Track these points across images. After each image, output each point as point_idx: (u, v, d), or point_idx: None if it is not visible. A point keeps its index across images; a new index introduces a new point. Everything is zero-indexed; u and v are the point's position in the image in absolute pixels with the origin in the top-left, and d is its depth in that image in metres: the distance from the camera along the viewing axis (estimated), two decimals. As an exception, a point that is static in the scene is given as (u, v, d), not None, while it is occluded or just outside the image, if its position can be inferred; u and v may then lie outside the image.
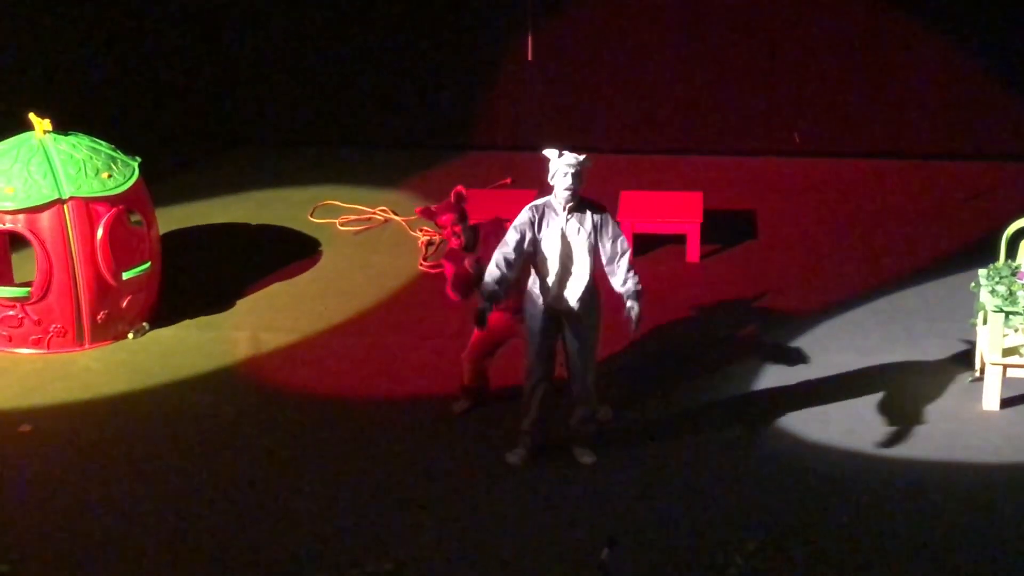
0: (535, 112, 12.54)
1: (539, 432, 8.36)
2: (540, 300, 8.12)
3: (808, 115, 12.35)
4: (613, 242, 8.02)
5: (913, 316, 9.92)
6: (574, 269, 8.06)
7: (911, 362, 9.33)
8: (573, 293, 8.09)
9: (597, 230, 8.02)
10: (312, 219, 11.54)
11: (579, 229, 8.01)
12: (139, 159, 9.94)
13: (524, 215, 8.02)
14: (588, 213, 8.02)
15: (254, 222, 11.51)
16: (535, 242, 8.00)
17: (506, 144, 12.62)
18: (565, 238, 8.00)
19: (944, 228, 11.20)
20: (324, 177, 12.22)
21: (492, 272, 7.98)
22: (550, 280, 8.08)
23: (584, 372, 8.22)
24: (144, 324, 9.90)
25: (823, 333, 9.74)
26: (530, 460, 8.34)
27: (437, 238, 11.10)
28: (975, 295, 9.03)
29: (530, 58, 12.36)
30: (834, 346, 9.57)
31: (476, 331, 8.68)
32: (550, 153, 8.01)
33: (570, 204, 7.98)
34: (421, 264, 10.83)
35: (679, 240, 10.83)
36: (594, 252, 8.04)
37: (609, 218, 8.05)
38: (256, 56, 12.66)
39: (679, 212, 10.89)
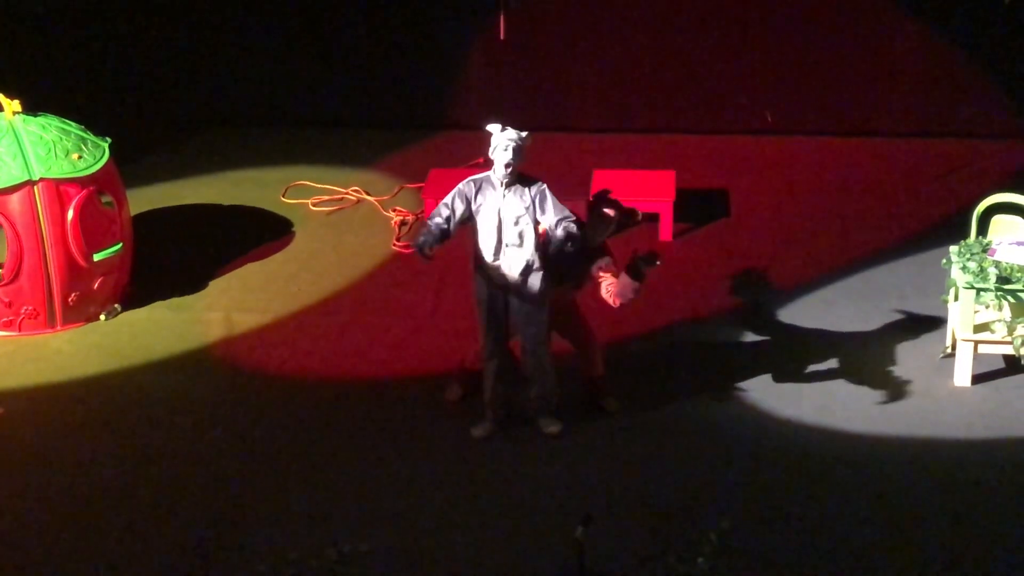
0: (507, 91, 12.50)
1: (501, 406, 8.36)
2: (482, 274, 8.15)
3: (780, 94, 12.33)
4: (555, 212, 8.01)
5: (885, 293, 9.94)
6: (512, 244, 8.09)
7: (883, 339, 9.35)
8: (513, 267, 8.13)
9: (535, 205, 8.03)
10: (284, 199, 11.49)
11: (516, 204, 8.03)
12: (109, 140, 9.88)
13: (459, 187, 8.09)
14: (526, 189, 8.05)
15: (226, 203, 11.45)
16: (471, 216, 8.03)
17: (479, 124, 12.52)
18: (501, 213, 8.02)
19: (916, 206, 11.22)
20: (296, 157, 12.16)
21: (426, 227, 8.04)
22: (488, 255, 8.13)
23: (534, 347, 8.23)
24: (116, 306, 9.85)
25: (796, 311, 9.75)
26: (496, 433, 8.35)
27: (411, 218, 11.07)
28: (947, 272, 9.05)
29: (502, 37, 12.31)
30: (807, 323, 9.58)
31: None
32: (492, 128, 8.03)
33: (506, 179, 7.98)
34: (394, 244, 10.80)
35: (652, 219, 10.82)
36: (534, 227, 8.06)
37: (547, 192, 8.07)
38: (228, 36, 12.58)
39: (652, 191, 10.88)
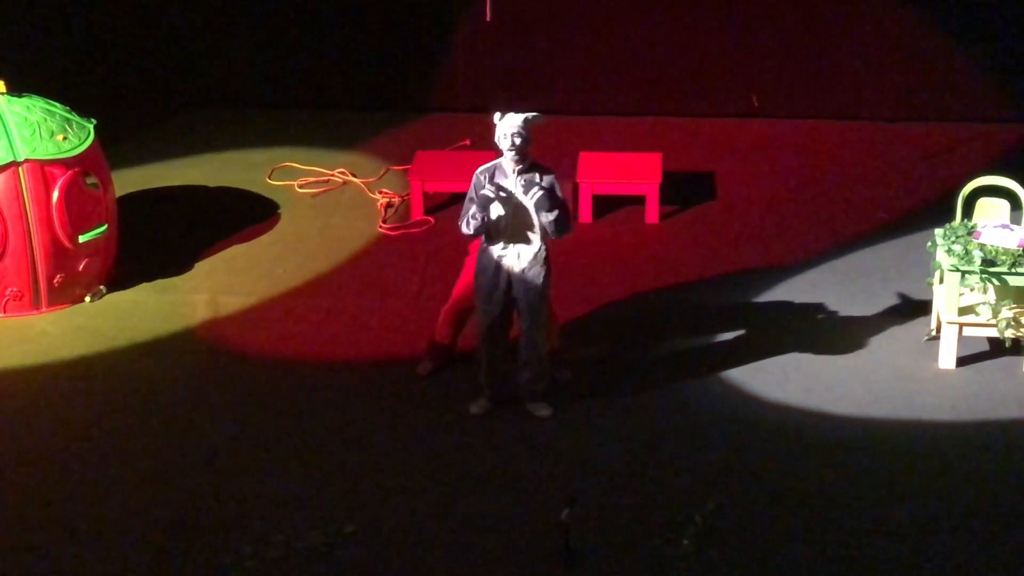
0: (494, 73, 12.47)
1: (497, 384, 8.40)
2: (491, 257, 8.17)
3: (766, 77, 12.32)
4: (550, 203, 8.05)
5: (870, 276, 9.95)
6: (523, 230, 8.10)
7: (868, 321, 9.36)
8: (523, 253, 8.15)
9: (549, 192, 8.04)
10: (270, 181, 11.46)
11: (527, 190, 8.01)
12: (95, 121, 9.84)
13: (475, 182, 8.09)
14: (537, 175, 8.04)
15: (212, 184, 11.42)
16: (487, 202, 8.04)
17: (465, 106, 12.54)
18: (514, 200, 8.03)
19: (901, 189, 11.22)
20: (282, 139, 12.12)
21: (475, 228, 8.06)
22: (500, 239, 8.13)
23: (531, 335, 8.25)
24: (101, 287, 9.82)
25: (781, 293, 9.76)
26: (492, 410, 8.38)
27: (397, 200, 11.05)
28: (931, 254, 9.06)
29: (488, 19, 12.27)
30: (792, 306, 9.58)
31: (460, 284, 8.63)
32: (497, 116, 8.04)
33: (517, 166, 7.97)
34: (380, 226, 10.78)
35: (639, 201, 10.82)
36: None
37: (555, 182, 8.08)
38: (213, 16, 12.53)
39: (638, 173, 10.87)
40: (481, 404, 8.42)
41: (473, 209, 8.06)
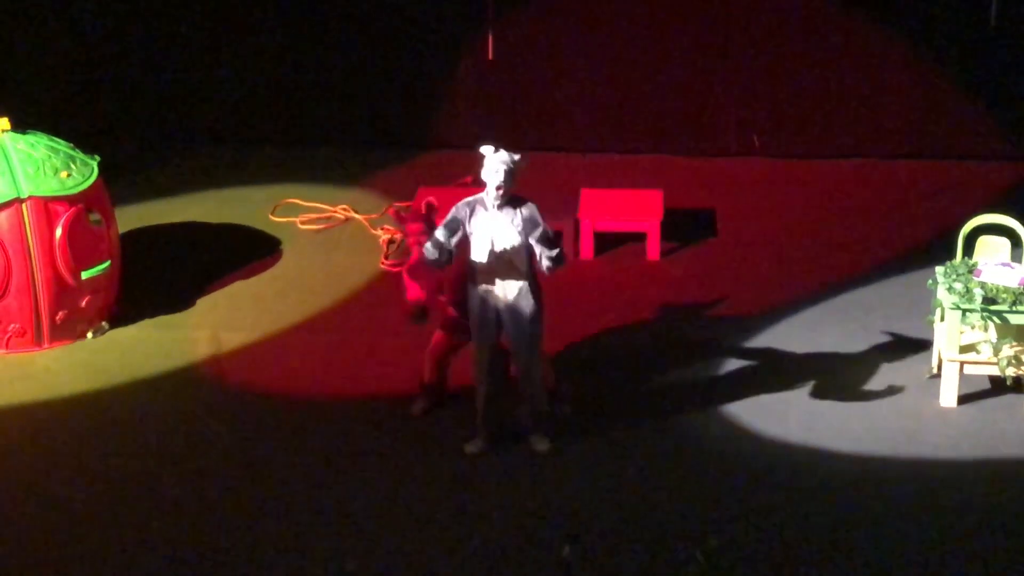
0: (496, 110, 12.51)
1: (493, 424, 8.38)
2: (478, 292, 8.18)
3: (767, 117, 12.35)
4: (539, 236, 8.07)
5: (871, 313, 9.95)
6: (505, 265, 8.11)
7: (869, 359, 9.36)
8: (507, 288, 8.16)
9: (527, 226, 8.05)
10: (273, 218, 11.48)
11: (507, 226, 8.05)
12: (98, 158, 9.87)
13: (455, 211, 8.10)
14: (518, 209, 8.09)
15: (214, 221, 11.44)
16: (466, 237, 8.07)
17: (466, 143, 12.55)
18: (493, 235, 8.06)
19: (901, 226, 11.24)
20: (285, 175, 12.15)
21: (427, 248, 8.09)
22: (483, 275, 8.15)
23: (527, 367, 8.26)
24: (104, 324, 9.83)
25: (782, 331, 9.76)
26: (488, 450, 8.37)
27: (399, 237, 11.06)
28: (932, 292, 9.07)
29: (490, 57, 12.33)
30: (793, 343, 9.58)
31: (438, 330, 8.67)
32: (485, 149, 8.07)
33: (497, 201, 8.01)
34: (382, 263, 10.79)
35: (639, 238, 10.84)
36: (527, 247, 8.09)
37: (536, 214, 8.08)
38: (216, 54, 12.58)
39: (639, 210, 10.89)
40: (477, 444, 8.41)
41: (432, 243, 8.03)
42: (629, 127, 12.49)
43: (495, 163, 8.02)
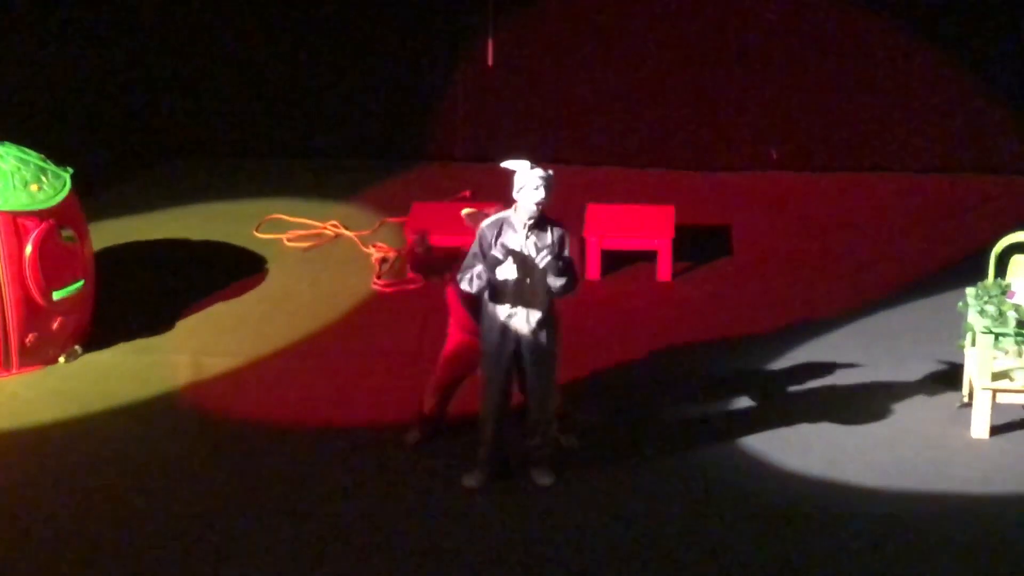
0: (496, 121, 12.55)
1: (497, 457, 8.44)
2: (497, 319, 8.19)
3: (785, 128, 12.40)
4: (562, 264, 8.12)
5: (897, 338, 9.99)
6: (532, 289, 8.13)
7: (895, 387, 9.39)
8: (531, 313, 8.18)
9: (556, 249, 8.09)
10: (258, 234, 11.51)
11: (537, 247, 8.08)
12: (71, 170, 9.89)
13: (481, 236, 8.12)
14: (548, 230, 8.11)
15: (195, 237, 11.47)
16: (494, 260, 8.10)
17: (465, 155, 12.63)
18: (523, 256, 8.08)
19: (930, 244, 11.27)
20: (270, 189, 12.18)
21: (470, 281, 8.12)
22: (507, 299, 8.16)
23: (542, 398, 8.31)
24: (76, 347, 9.86)
25: (802, 356, 9.80)
26: (488, 483, 8.41)
27: (392, 255, 11.11)
28: (963, 315, 9.11)
29: (490, 63, 12.38)
30: (814, 370, 9.61)
31: (445, 357, 8.70)
32: (517, 165, 8.06)
33: (532, 221, 8.04)
34: (374, 283, 10.83)
35: (650, 257, 10.87)
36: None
37: (567, 239, 8.14)
38: (196, 59, 12.62)
39: (650, 227, 10.92)
40: (476, 477, 8.44)
41: (479, 268, 8.10)
42: (638, 138, 12.53)
43: (533, 179, 8.01)
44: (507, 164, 8.12)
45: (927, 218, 11.68)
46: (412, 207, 11.29)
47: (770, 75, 12.31)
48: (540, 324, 8.20)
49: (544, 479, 8.43)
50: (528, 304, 8.16)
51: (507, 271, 8.08)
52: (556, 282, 8.08)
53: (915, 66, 12.23)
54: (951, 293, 10.07)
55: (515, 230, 8.10)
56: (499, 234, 8.10)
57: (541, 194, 8.00)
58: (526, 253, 8.08)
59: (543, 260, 8.04)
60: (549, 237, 8.10)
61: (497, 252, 8.04)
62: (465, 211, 8.55)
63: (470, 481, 8.43)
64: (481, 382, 8.40)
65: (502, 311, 8.19)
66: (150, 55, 12.62)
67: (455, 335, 8.66)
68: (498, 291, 8.16)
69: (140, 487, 8.50)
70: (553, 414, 8.42)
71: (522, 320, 8.19)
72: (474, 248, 8.16)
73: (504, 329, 8.20)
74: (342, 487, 8.50)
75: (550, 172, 8.10)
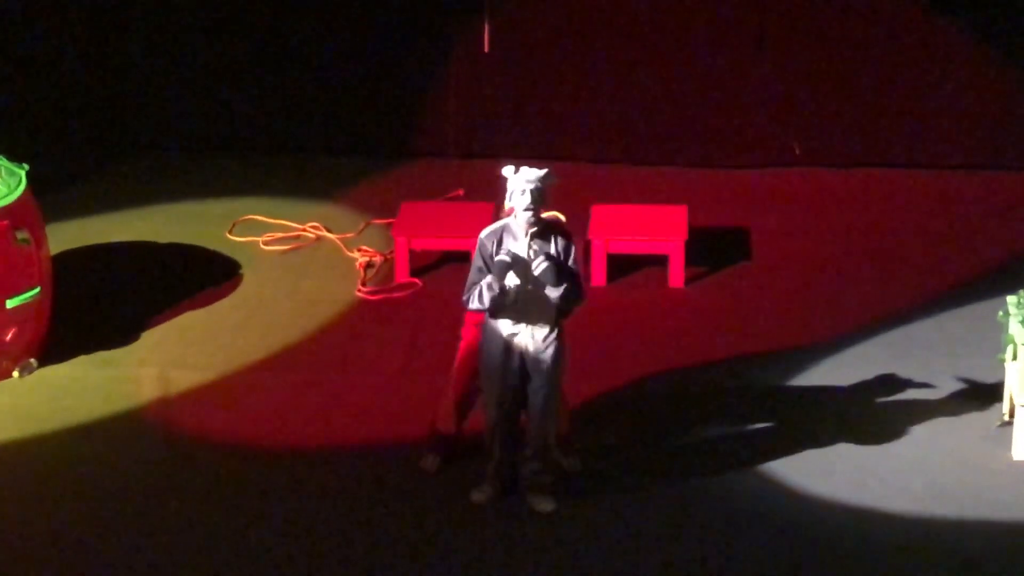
0: (492, 113, 12.55)
1: (506, 474, 8.46)
2: (499, 336, 8.21)
3: (809, 121, 12.40)
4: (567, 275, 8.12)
5: (931, 350, 9.97)
6: (537, 303, 8.15)
7: (929, 404, 9.38)
8: (537, 331, 8.21)
9: (562, 260, 8.11)
10: (231, 237, 11.51)
11: (537, 254, 8.09)
12: (26, 166, 9.89)
13: (481, 248, 8.17)
14: (552, 239, 8.13)
15: (162, 240, 11.46)
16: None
17: (458, 151, 12.62)
18: (525, 267, 8.09)
19: (967, 248, 11.27)
20: (245, 188, 12.19)
21: (483, 300, 8.10)
22: (509, 312, 8.17)
23: (543, 417, 8.32)
24: (32, 361, 9.84)
25: (827, 370, 9.78)
26: (497, 499, 8.43)
27: (378, 259, 11.09)
28: (1003, 326, 9.09)
29: (486, 49, 12.37)
30: (839, 385, 9.60)
31: (461, 359, 8.65)
32: (507, 171, 8.14)
33: (530, 227, 8.04)
34: (359, 290, 10.81)
35: (660, 262, 10.86)
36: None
37: (572, 250, 8.18)
38: (163, 47, 12.61)
39: (660, 229, 10.91)
40: (485, 491, 8.47)
41: (489, 279, 8.11)
42: (647, 132, 12.53)
43: (519, 183, 8.07)
44: (503, 170, 8.18)
45: (963, 219, 11.69)
46: (400, 207, 11.29)
47: (793, 62, 12.30)
48: (545, 340, 8.22)
49: (544, 505, 8.44)
50: (532, 320, 8.20)
51: (514, 277, 8.10)
52: (553, 292, 8.08)
53: (950, 54, 12.24)
54: (990, 302, 10.08)
55: (516, 238, 8.13)
56: (499, 243, 8.15)
57: (528, 199, 8.04)
58: (529, 263, 8.10)
59: (539, 266, 8.02)
60: (553, 247, 8.11)
61: (504, 256, 8.08)
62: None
63: (478, 496, 8.47)
64: (484, 401, 8.42)
65: (505, 327, 8.22)
66: (111, 42, 12.62)
67: (470, 333, 8.60)
68: (501, 306, 8.17)
69: (100, 513, 8.47)
70: (553, 438, 8.41)
71: (527, 336, 8.24)
72: (476, 262, 8.20)
73: (507, 346, 8.22)
74: (321, 513, 8.46)
75: (544, 172, 8.12)
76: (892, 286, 10.81)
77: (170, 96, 12.71)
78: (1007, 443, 8.96)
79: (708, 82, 12.39)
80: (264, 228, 11.61)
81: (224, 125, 12.74)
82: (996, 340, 9.33)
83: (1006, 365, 9.17)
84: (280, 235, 11.53)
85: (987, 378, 9.51)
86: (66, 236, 11.24)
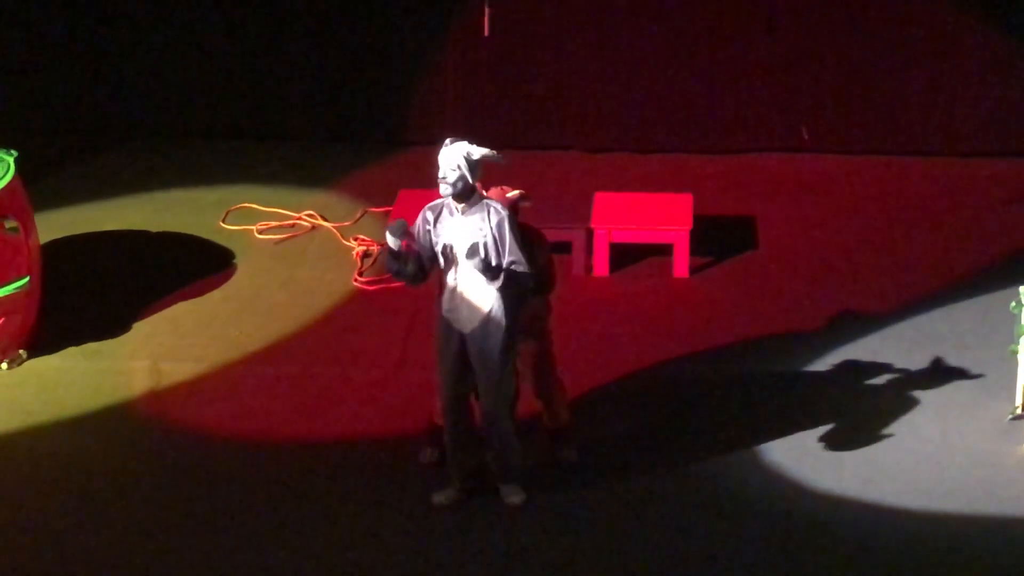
0: (491, 99, 12.54)
1: (467, 470, 8.43)
2: (441, 320, 8.26)
3: (817, 106, 12.39)
4: (508, 252, 8.10)
5: (941, 342, 9.97)
6: (468, 283, 8.16)
7: (939, 397, 9.37)
8: (473, 308, 8.20)
9: (495, 237, 8.11)
10: (224, 225, 11.51)
11: (473, 234, 8.12)
12: (15, 153, 9.89)
13: (421, 218, 8.21)
14: (486, 216, 8.15)
15: (154, 229, 11.46)
16: (432, 247, 8.18)
17: (457, 137, 12.57)
18: (455, 244, 8.12)
19: (979, 238, 11.27)
20: (238, 175, 12.19)
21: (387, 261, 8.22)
22: (446, 295, 8.23)
23: (490, 407, 8.30)
24: (21, 352, 9.84)
25: (834, 362, 9.78)
26: (460, 500, 8.40)
27: (375, 249, 11.09)
28: (1016, 317, 9.09)
29: (486, 33, 12.36)
30: (847, 377, 9.60)
31: None
32: (447, 142, 8.17)
33: (458, 203, 8.11)
34: (355, 279, 10.81)
35: (665, 251, 10.85)
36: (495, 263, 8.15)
37: (506, 224, 8.11)
38: (155, 31, 12.61)
39: (665, 218, 10.91)
40: (447, 494, 8.44)
41: (391, 246, 8.15)
42: (651, 118, 12.53)
43: (446, 158, 8.09)
44: (447, 142, 8.17)
45: (976, 208, 11.69)
46: (398, 195, 11.28)
47: (801, 44, 12.29)
48: (482, 321, 8.19)
49: (512, 498, 8.43)
50: (469, 298, 8.17)
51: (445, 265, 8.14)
52: (495, 283, 8.10)
53: (962, 40, 12.23)
54: (1003, 292, 10.07)
55: (451, 214, 8.17)
56: (438, 217, 8.19)
57: (449, 179, 8.07)
58: (460, 241, 8.09)
59: (472, 258, 8.04)
60: (489, 222, 8.11)
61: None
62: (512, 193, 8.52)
63: (440, 498, 8.45)
64: (437, 392, 8.44)
65: (444, 305, 8.25)
66: (102, 26, 12.61)
67: None
68: (439, 280, 8.20)
69: (91, 507, 8.48)
70: (508, 425, 8.34)
71: (465, 315, 8.20)
72: (413, 227, 8.21)
73: (447, 326, 8.24)
74: (316, 508, 8.46)
75: (484, 152, 8.09)
76: (900, 276, 10.82)
77: (162, 82, 12.71)
78: (1019, 436, 8.96)
79: (714, 66, 12.39)
80: (258, 216, 11.61)
81: (217, 111, 12.74)
82: (1008, 331, 9.33)
83: (1019, 357, 9.17)
84: (275, 224, 11.53)
85: (998, 370, 9.50)
86: (56, 224, 11.25)
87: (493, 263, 8.08)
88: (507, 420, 8.35)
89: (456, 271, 8.17)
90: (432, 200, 9.06)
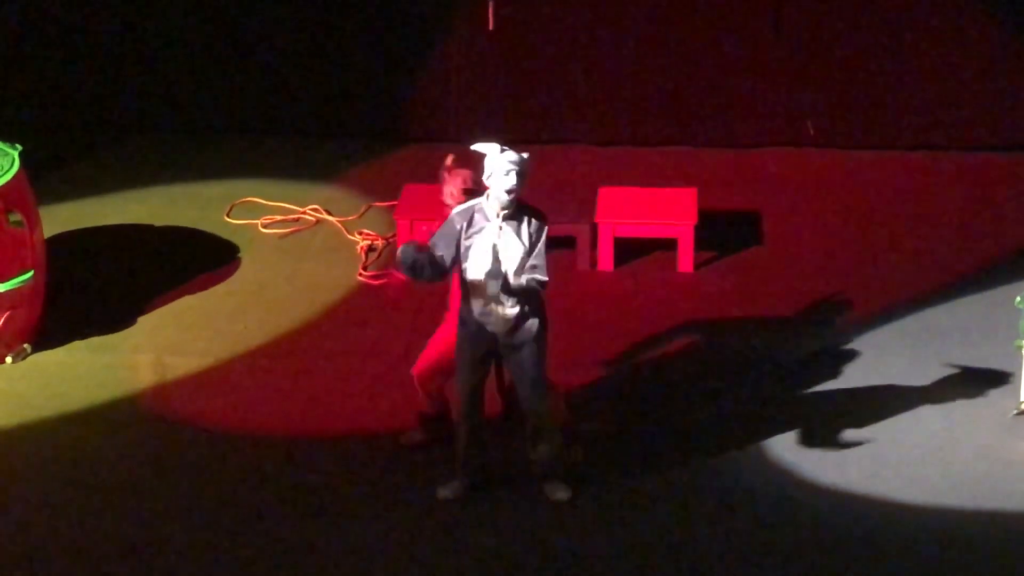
0: (496, 93, 12.53)
1: (476, 468, 8.47)
2: (470, 322, 8.25)
3: (823, 99, 12.39)
4: (535, 258, 8.15)
5: (946, 337, 9.98)
6: (506, 287, 8.16)
7: (944, 393, 9.38)
8: (507, 314, 8.21)
9: (532, 242, 8.13)
10: (228, 220, 11.52)
11: (514, 240, 8.13)
12: (19, 147, 9.90)
13: (450, 224, 8.17)
14: (524, 223, 8.16)
15: (158, 223, 11.47)
16: (458, 254, 8.16)
17: (461, 134, 12.56)
18: (497, 250, 8.12)
19: (983, 233, 11.26)
20: (244, 170, 12.19)
21: (404, 256, 8.14)
22: (480, 298, 8.21)
23: (535, 404, 8.34)
24: (26, 346, 9.86)
25: (840, 357, 9.79)
26: (465, 495, 8.43)
27: (380, 243, 11.11)
28: (1021, 312, 9.10)
29: (491, 27, 12.37)
30: (853, 373, 9.62)
31: (430, 346, 8.70)
32: (487, 148, 8.13)
33: (508, 210, 8.10)
34: (360, 274, 10.83)
35: (669, 246, 10.87)
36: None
37: (544, 233, 8.18)
38: (160, 26, 12.60)
39: (669, 212, 10.91)
40: (454, 487, 8.48)
41: (437, 253, 8.11)
42: (656, 112, 12.52)
43: (504, 164, 8.06)
44: (477, 147, 8.16)
45: (981, 202, 11.68)
46: (403, 190, 11.29)
47: (806, 39, 12.27)
48: (523, 324, 8.23)
49: (559, 494, 8.46)
50: (503, 302, 8.19)
51: (475, 270, 8.12)
52: (516, 282, 8.13)
53: (968, 33, 12.21)
54: (1008, 287, 10.09)
55: (488, 219, 8.15)
56: (470, 222, 8.15)
57: (512, 180, 8.06)
58: (503, 246, 8.09)
59: (517, 269, 8.06)
60: (527, 228, 8.13)
61: (468, 241, 8.08)
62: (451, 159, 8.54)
63: (445, 492, 8.47)
64: (455, 384, 8.44)
65: (476, 309, 8.23)
66: (107, 21, 12.60)
67: (451, 323, 8.63)
68: (469, 286, 8.20)
69: (95, 502, 8.50)
70: (552, 421, 8.40)
71: (501, 319, 8.22)
72: (440, 231, 8.19)
73: (480, 329, 8.24)
74: (321, 502, 8.49)
75: (524, 155, 8.14)
76: (907, 272, 10.81)
77: (167, 76, 12.70)
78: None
79: (720, 61, 12.38)
80: (263, 211, 11.62)
81: (223, 105, 12.73)
82: (1013, 327, 9.34)
83: (1023, 352, 9.18)
84: (279, 218, 11.54)
85: (1003, 366, 9.52)
86: (60, 218, 11.25)
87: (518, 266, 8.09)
88: (548, 412, 8.39)
89: (493, 277, 8.14)
90: (436, 196, 9.10)
